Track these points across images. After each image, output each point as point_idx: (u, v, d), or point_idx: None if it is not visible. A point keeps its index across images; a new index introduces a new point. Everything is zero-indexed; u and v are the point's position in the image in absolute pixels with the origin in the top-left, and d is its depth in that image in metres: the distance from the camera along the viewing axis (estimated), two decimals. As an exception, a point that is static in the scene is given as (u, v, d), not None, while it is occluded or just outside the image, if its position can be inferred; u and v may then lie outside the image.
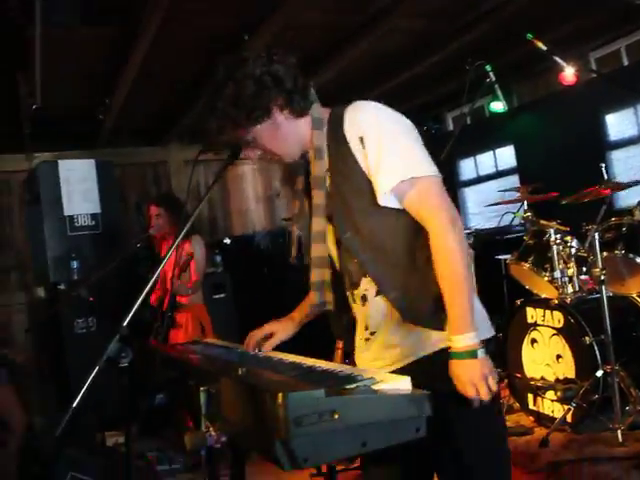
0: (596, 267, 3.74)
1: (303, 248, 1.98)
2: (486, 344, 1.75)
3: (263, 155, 1.88)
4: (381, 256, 1.78)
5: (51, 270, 5.60)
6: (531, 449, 3.68)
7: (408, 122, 1.83)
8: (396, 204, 1.75)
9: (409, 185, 1.72)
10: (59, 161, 5.78)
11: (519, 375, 4.20)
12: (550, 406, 4.00)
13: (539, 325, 4.09)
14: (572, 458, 3.44)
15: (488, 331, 1.84)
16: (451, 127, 7.84)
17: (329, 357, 3.77)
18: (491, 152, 7.23)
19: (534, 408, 4.13)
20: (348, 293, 1.93)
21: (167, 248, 4.94)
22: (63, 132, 6.32)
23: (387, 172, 1.72)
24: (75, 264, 5.57)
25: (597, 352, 3.71)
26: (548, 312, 4.02)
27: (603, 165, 4.08)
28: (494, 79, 4.36)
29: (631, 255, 3.79)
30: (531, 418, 4.15)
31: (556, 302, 3.97)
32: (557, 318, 3.95)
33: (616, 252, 3.82)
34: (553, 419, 3.90)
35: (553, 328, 3.98)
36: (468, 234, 4.83)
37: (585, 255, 4.04)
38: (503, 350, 4.34)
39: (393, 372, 1.71)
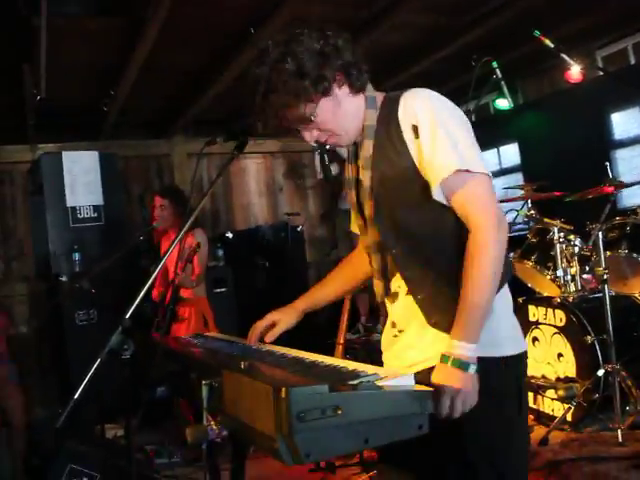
0: (599, 266, 3.73)
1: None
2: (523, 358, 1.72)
3: (320, 135, 1.78)
4: (415, 254, 1.72)
5: (53, 261, 5.61)
6: (530, 448, 3.67)
7: (463, 115, 1.75)
8: (443, 199, 1.68)
9: (462, 179, 1.63)
10: (63, 152, 5.78)
11: (520, 373, 4.19)
12: (550, 405, 4.00)
13: (541, 323, 4.09)
14: (572, 457, 3.43)
15: (516, 346, 1.75)
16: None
17: (330, 353, 3.77)
18: (495, 150, 7.22)
19: (534, 406, 4.12)
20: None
21: (168, 241, 4.94)
22: (67, 123, 6.32)
23: (442, 162, 1.63)
24: (77, 256, 5.57)
25: (598, 351, 3.71)
26: (550, 310, 4.02)
27: (608, 164, 4.07)
28: (500, 76, 4.35)
29: (634, 255, 3.79)
30: (531, 416, 4.14)
31: (558, 301, 3.97)
32: (559, 317, 3.95)
33: (619, 251, 3.82)
34: (553, 418, 3.89)
35: (555, 327, 3.98)
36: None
37: (588, 254, 4.03)
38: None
39: None
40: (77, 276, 5.23)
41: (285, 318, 2.09)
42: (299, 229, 7.07)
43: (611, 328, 3.63)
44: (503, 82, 5.18)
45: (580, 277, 4.12)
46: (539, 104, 6.55)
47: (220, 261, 6.59)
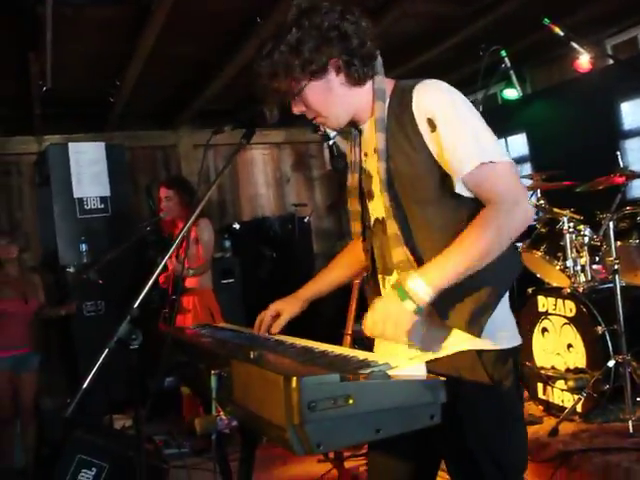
0: (610, 256, 3.70)
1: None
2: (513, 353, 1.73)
3: (308, 112, 1.78)
4: (428, 249, 1.69)
5: (60, 253, 5.61)
6: (540, 438, 3.65)
7: (472, 106, 1.73)
8: (466, 192, 1.66)
9: (487, 170, 1.61)
10: (69, 144, 5.79)
11: (529, 364, 4.17)
12: (560, 395, 3.97)
13: (550, 314, 4.06)
14: (582, 448, 3.41)
15: (512, 339, 1.77)
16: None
17: (338, 343, 3.75)
18: (502, 140, 7.16)
19: (544, 397, 4.10)
20: (379, 276, 1.87)
21: (177, 231, 4.93)
22: (73, 114, 6.31)
23: (464, 156, 1.61)
24: (84, 247, 5.58)
25: (609, 342, 3.67)
26: (560, 301, 3.99)
27: (619, 153, 4.03)
28: (509, 65, 4.30)
29: (645, 244, 3.75)
30: (540, 407, 4.12)
31: (568, 291, 3.94)
32: (569, 307, 3.92)
33: (630, 241, 3.79)
34: (563, 409, 3.87)
35: (564, 317, 3.95)
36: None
37: (598, 244, 4.00)
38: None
39: None
40: (85, 267, 5.23)
41: (289, 308, 2.10)
42: (306, 220, 7.06)
43: (622, 318, 3.60)
44: (512, 71, 5.12)
45: (590, 267, 4.09)
46: (548, 94, 6.49)
47: (227, 252, 6.58)
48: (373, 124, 1.76)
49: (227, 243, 6.64)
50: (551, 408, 4.03)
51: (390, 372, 1.37)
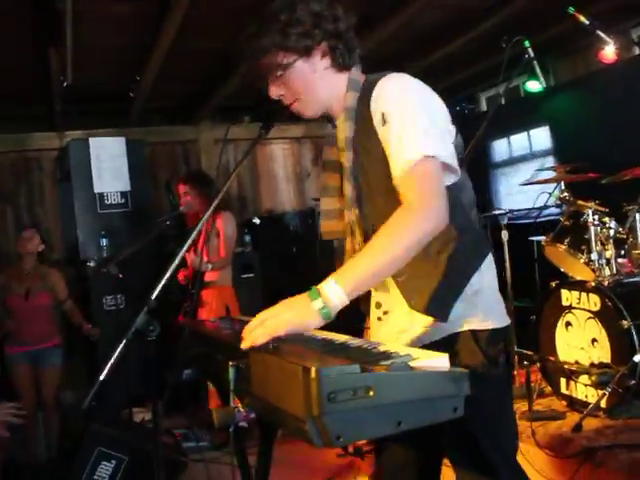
0: (636, 249, 3.64)
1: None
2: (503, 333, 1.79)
3: (286, 97, 1.81)
4: None
5: (81, 247, 5.64)
6: (564, 434, 3.60)
7: (437, 99, 1.75)
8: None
9: (412, 168, 1.62)
10: (90, 139, 5.82)
11: (552, 358, 4.11)
12: (584, 391, 3.91)
13: (574, 308, 3.99)
14: (607, 444, 3.35)
15: (503, 319, 1.83)
16: (484, 108, 7.70)
17: (358, 337, 3.72)
18: (525, 133, 7.08)
19: (567, 392, 4.04)
20: None
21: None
22: (94, 110, 6.33)
23: (401, 154, 1.64)
24: (105, 241, 5.61)
25: (635, 336, 3.60)
26: (584, 295, 3.92)
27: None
28: (532, 55, 4.22)
29: (672, 237, 3.68)
30: (563, 402, 4.06)
31: (593, 285, 3.87)
32: (593, 301, 3.85)
33: (657, 234, 3.72)
34: (586, 404, 3.80)
35: (589, 311, 3.88)
36: (502, 215, 4.73)
37: (624, 237, 3.92)
38: (536, 333, 4.25)
39: None
40: (105, 261, 5.25)
41: None
42: (326, 215, 7.02)
43: (648, 313, 3.54)
44: (535, 62, 5.04)
45: (615, 261, 4.02)
46: (572, 86, 6.39)
47: (247, 247, 6.58)
48: (344, 114, 1.81)
49: (247, 238, 6.64)
50: (574, 403, 3.97)
51: (412, 363, 1.34)
